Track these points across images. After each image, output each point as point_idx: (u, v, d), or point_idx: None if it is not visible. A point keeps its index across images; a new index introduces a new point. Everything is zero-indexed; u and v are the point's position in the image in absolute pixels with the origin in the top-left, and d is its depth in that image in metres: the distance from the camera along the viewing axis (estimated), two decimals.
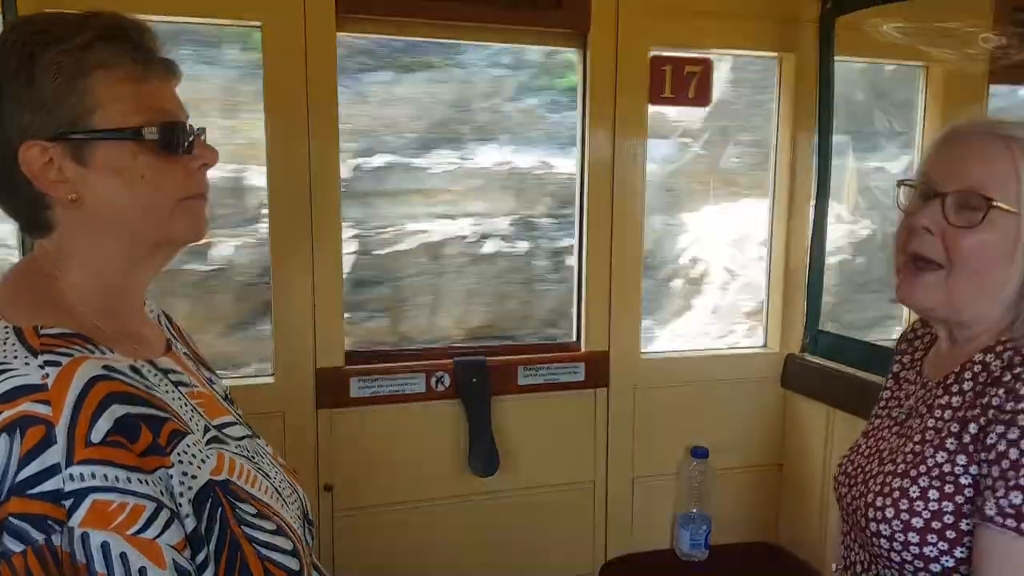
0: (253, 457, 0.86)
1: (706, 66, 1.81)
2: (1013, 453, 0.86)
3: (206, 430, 0.81)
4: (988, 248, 0.92)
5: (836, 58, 1.82)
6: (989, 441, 0.89)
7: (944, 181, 0.93)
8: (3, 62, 0.73)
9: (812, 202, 1.88)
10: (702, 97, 1.82)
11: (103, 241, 0.78)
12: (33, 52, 0.72)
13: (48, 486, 0.64)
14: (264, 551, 0.75)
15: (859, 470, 1.09)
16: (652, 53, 1.78)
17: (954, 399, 0.97)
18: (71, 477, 0.64)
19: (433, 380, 1.73)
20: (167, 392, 0.78)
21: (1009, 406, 0.88)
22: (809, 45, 1.84)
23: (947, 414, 0.97)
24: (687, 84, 1.80)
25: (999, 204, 0.90)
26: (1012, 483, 0.86)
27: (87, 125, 0.73)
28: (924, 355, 1.11)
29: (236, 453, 0.82)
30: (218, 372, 1.01)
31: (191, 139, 0.79)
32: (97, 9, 0.76)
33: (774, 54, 1.89)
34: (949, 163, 0.94)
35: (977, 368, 0.97)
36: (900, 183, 1.00)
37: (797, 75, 1.87)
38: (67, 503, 0.64)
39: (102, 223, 0.77)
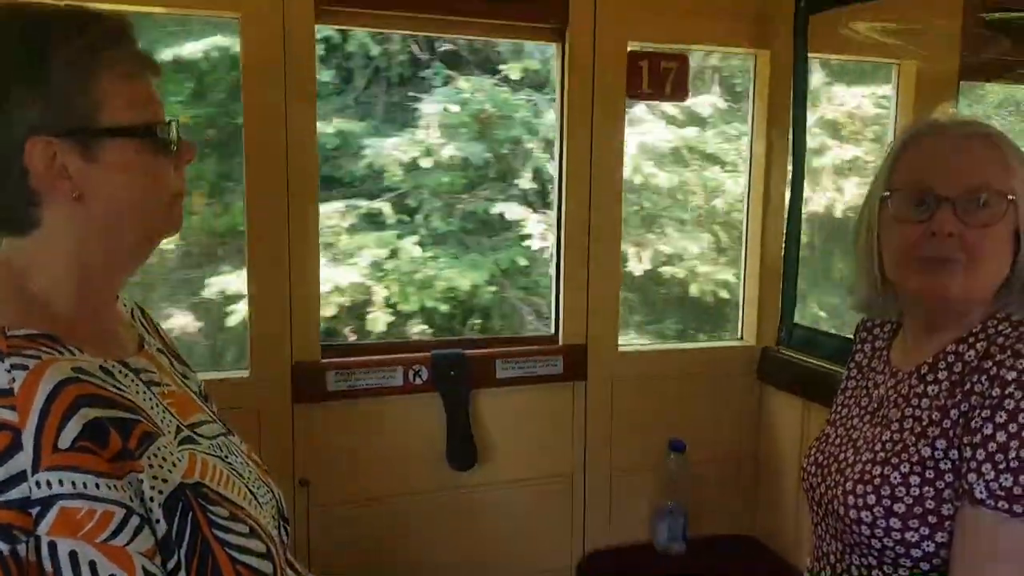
0: (226, 457, 0.85)
1: (682, 61, 1.83)
2: (1001, 436, 0.88)
3: (178, 431, 0.79)
4: (1001, 240, 0.95)
5: (810, 55, 1.84)
6: (974, 425, 0.91)
7: (945, 185, 0.94)
8: (10, 55, 0.71)
9: (787, 197, 1.90)
10: (679, 92, 1.84)
11: (93, 238, 0.77)
12: (44, 48, 0.71)
13: (14, 494, 0.63)
14: (236, 555, 0.74)
15: (831, 459, 1.09)
16: (629, 48, 1.79)
17: (930, 388, 0.99)
18: (38, 484, 0.63)
19: (411, 373, 1.72)
20: (138, 393, 0.77)
21: (995, 391, 0.89)
22: (784, 42, 1.86)
23: (924, 403, 0.99)
24: (664, 79, 1.82)
25: (1013, 197, 0.94)
26: (1002, 465, 0.87)
27: (96, 123, 0.73)
28: (887, 344, 1.13)
29: (209, 453, 0.81)
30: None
31: (180, 137, 0.80)
32: (84, 2, 0.77)
33: (750, 50, 1.92)
34: (944, 167, 0.96)
35: (951, 358, 0.98)
36: (888, 194, 1.00)
37: (772, 71, 1.90)
38: (34, 511, 0.63)
39: (97, 221, 0.76)
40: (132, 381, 0.78)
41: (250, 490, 0.84)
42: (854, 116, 2.30)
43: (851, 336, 1.22)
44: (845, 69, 2.22)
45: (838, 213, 2.25)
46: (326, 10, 1.59)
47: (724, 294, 2.60)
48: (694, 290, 2.70)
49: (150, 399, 0.78)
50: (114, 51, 0.75)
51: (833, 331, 1.92)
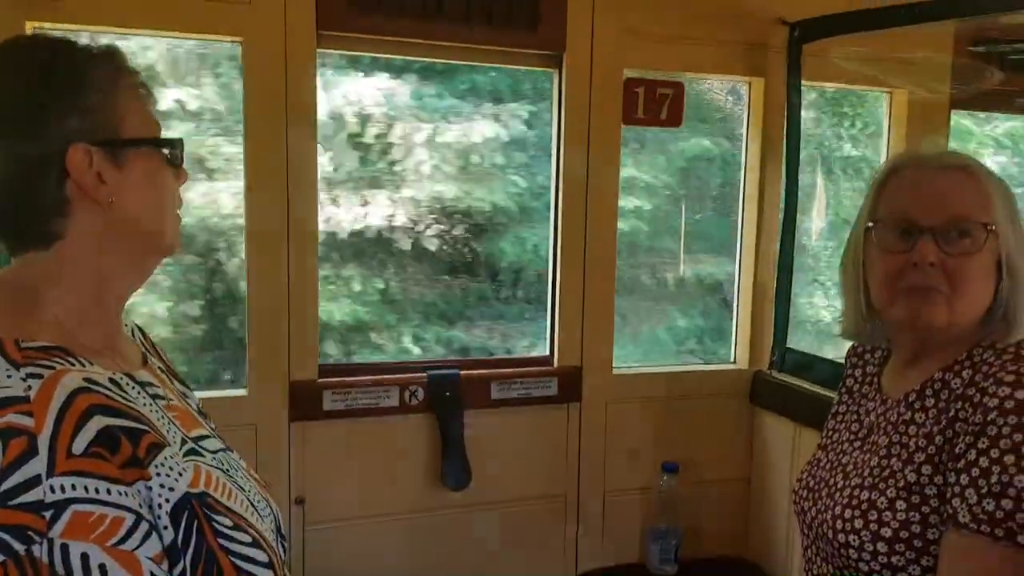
0: (228, 470, 0.87)
1: (678, 89, 1.86)
2: (983, 461, 0.89)
3: (183, 442, 0.81)
4: (983, 269, 0.97)
5: (803, 83, 1.88)
6: (958, 451, 0.92)
7: (927, 216, 0.97)
8: (53, 72, 0.76)
9: (780, 222, 1.93)
10: (674, 118, 1.86)
11: (115, 250, 0.81)
12: (84, 67, 0.77)
13: (30, 497, 0.64)
14: (240, 563, 0.76)
15: (822, 484, 1.11)
16: (626, 75, 1.82)
17: (917, 415, 1.01)
18: (52, 488, 0.65)
19: (407, 394, 1.74)
20: (145, 405, 0.79)
21: (977, 418, 0.91)
22: (777, 70, 1.90)
23: (912, 429, 1.00)
24: (660, 105, 1.85)
25: (993, 227, 0.96)
26: (984, 490, 0.88)
27: (122, 134, 0.79)
28: (878, 370, 1.15)
29: (212, 466, 0.83)
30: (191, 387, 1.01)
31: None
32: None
33: (744, 78, 1.95)
34: (925, 199, 0.98)
35: (937, 386, 1.00)
36: (872, 224, 1.03)
37: (766, 99, 1.93)
38: (48, 514, 0.64)
39: (122, 230, 0.80)
40: (139, 393, 0.80)
41: (251, 503, 0.86)
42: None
43: (843, 361, 1.24)
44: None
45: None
46: (327, 35, 1.62)
47: None
48: None
49: (156, 411, 0.80)
50: (131, 76, 0.82)
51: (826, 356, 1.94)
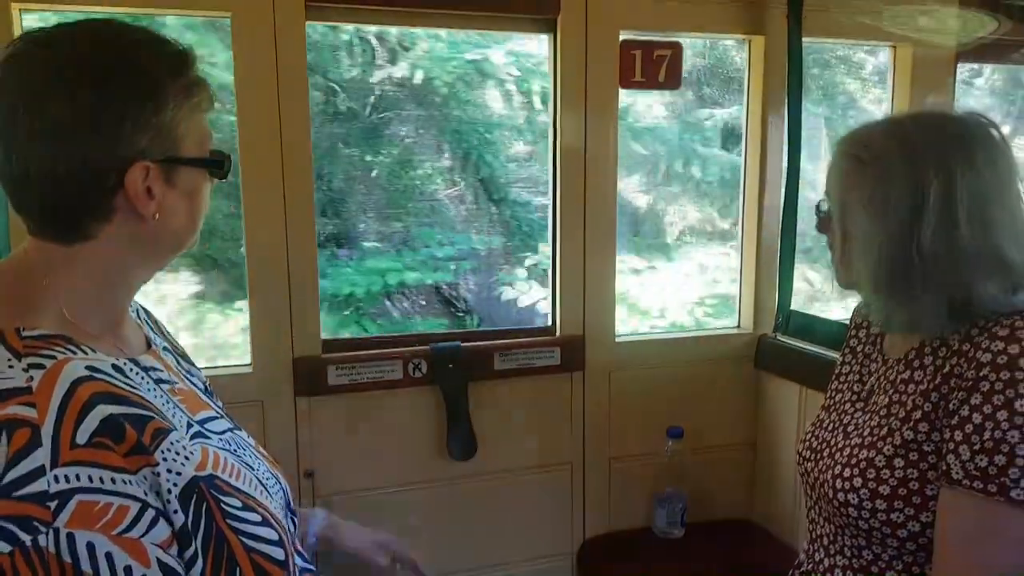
0: (236, 450, 0.88)
1: (676, 50, 1.82)
2: (976, 417, 0.89)
3: (189, 426, 0.82)
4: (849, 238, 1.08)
5: (804, 39, 1.83)
6: (951, 407, 0.92)
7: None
8: (139, 80, 0.75)
9: (783, 183, 1.90)
10: (672, 80, 1.83)
11: (142, 252, 0.81)
12: (162, 80, 0.76)
13: (34, 488, 0.65)
14: (251, 543, 0.77)
15: (824, 444, 1.12)
16: (622, 37, 1.79)
17: (916, 374, 1.01)
18: (56, 479, 0.65)
19: (410, 367, 1.74)
20: (149, 390, 0.79)
21: (970, 373, 0.91)
22: (778, 27, 1.85)
23: (911, 388, 1.00)
24: (657, 68, 1.81)
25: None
26: (977, 446, 0.89)
27: (181, 152, 0.78)
28: (881, 330, 1.14)
29: (219, 447, 0.83)
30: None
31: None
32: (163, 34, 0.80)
33: (743, 36, 1.90)
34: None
35: (936, 343, 1.00)
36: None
37: (766, 57, 1.88)
38: (52, 504, 0.65)
39: (155, 238, 0.80)
40: (143, 379, 0.80)
41: (260, 481, 0.86)
42: None
43: (846, 321, 1.24)
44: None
45: None
46: (316, 7, 1.60)
47: None
48: None
49: (160, 396, 0.80)
50: (202, 90, 0.80)
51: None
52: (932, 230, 0.94)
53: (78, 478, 0.66)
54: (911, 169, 0.95)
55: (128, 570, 0.67)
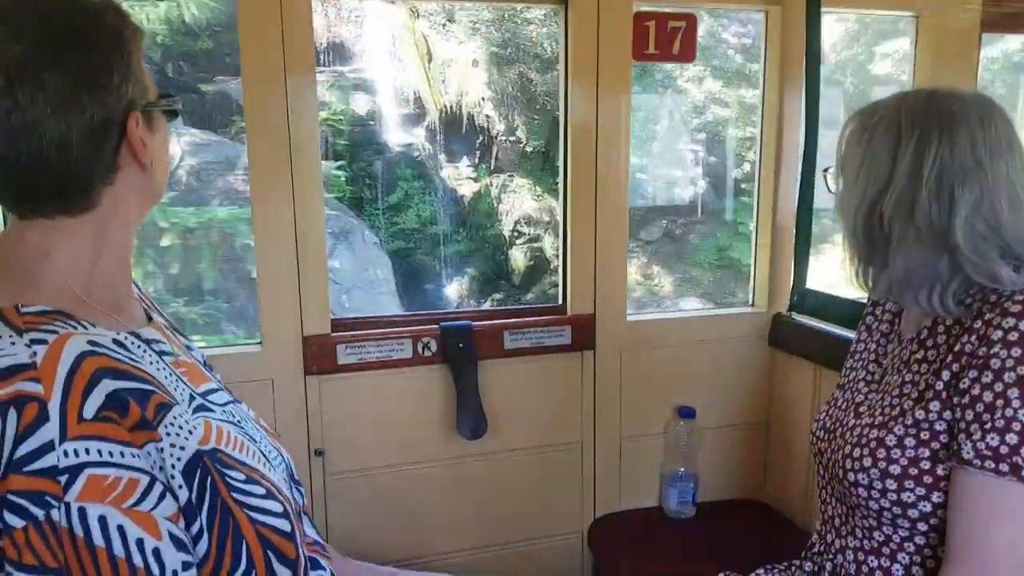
0: (239, 422, 0.87)
1: (690, 21, 1.77)
2: (987, 396, 0.88)
3: (191, 399, 0.81)
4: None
5: (823, 9, 1.77)
6: (963, 386, 0.91)
7: None
8: (108, 39, 0.76)
9: (800, 159, 1.86)
10: (687, 52, 1.78)
11: (139, 208, 0.83)
12: (124, 32, 0.78)
13: (44, 462, 0.65)
14: (256, 515, 0.77)
15: (837, 423, 1.11)
16: (636, 8, 1.74)
17: (929, 353, 1.00)
18: (65, 453, 0.65)
19: (420, 346, 1.73)
20: (152, 363, 0.79)
21: (982, 351, 0.90)
22: None
23: (923, 367, 1.00)
24: (672, 40, 1.77)
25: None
26: (988, 425, 0.88)
27: (150, 96, 0.81)
28: (899, 309, 1.13)
29: (222, 420, 0.83)
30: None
31: None
32: None
33: (761, 7, 1.85)
34: None
35: (949, 321, 0.99)
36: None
37: (784, 28, 1.83)
38: (63, 479, 0.65)
39: (148, 191, 0.83)
40: (145, 352, 0.79)
41: (262, 453, 0.86)
42: None
43: (862, 300, 1.22)
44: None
45: None
46: None
47: None
48: None
49: (163, 369, 0.80)
50: (143, 35, 0.82)
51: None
52: (894, 200, 0.95)
53: (87, 452, 0.66)
54: (893, 138, 0.96)
55: (140, 543, 0.67)
